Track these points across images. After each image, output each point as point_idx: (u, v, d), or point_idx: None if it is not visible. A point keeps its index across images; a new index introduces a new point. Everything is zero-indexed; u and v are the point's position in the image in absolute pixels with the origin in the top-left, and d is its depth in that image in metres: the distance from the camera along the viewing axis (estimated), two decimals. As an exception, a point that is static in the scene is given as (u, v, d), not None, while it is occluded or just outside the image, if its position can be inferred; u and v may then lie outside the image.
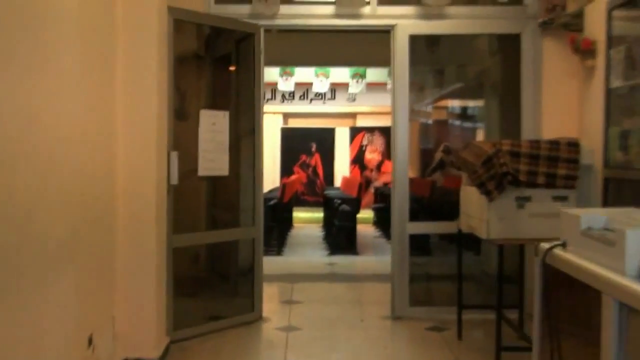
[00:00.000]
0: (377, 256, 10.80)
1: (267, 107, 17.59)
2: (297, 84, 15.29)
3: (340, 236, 11.16)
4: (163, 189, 5.02)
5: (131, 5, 4.65)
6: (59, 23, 3.38)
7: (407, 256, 6.27)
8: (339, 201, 11.71)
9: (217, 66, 6.92)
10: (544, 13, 6.23)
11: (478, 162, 4.46)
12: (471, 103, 10.00)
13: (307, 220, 16.54)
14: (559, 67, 6.25)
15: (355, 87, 11.97)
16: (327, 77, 11.81)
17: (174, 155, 5.23)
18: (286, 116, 17.84)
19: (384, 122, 17.21)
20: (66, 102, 3.48)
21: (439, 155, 20.00)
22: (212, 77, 6.77)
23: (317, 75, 11.79)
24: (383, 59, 7.35)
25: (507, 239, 4.46)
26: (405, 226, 6.24)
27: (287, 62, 9.44)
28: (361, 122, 17.76)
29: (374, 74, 12.18)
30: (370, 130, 17.46)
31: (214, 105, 6.36)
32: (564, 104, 6.18)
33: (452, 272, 5.64)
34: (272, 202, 11.05)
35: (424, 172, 17.15)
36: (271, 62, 9.31)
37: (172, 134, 5.23)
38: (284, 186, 11.07)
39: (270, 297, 7.14)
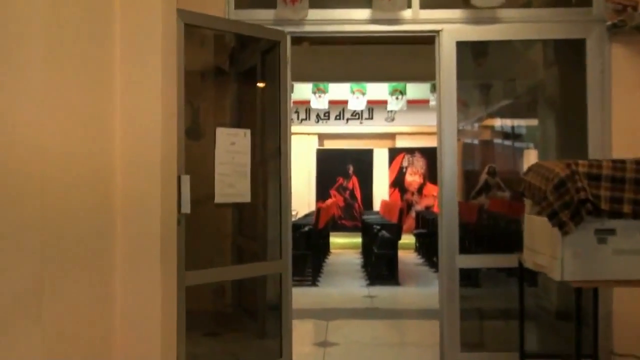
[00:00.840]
0: (420, 287, 10.01)
1: (301, 128, 17.21)
2: (332, 102, 14.63)
3: (379, 265, 10.38)
4: (172, 218, 4.31)
5: (130, 6, 3.96)
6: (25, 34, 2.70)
7: (457, 294, 5.47)
8: (378, 227, 10.92)
9: (239, 79, 6.26)
10: (612, 15, 5.43)
11: (548, 186, 3.66)
12: (521, 121, 9.18)
13: (344, 246, 15.85)
14: (631, 76, 5.43)
15: (394, 105, 11.17)
16: (363, 94, 11.05)
17: (186, 179, 4.52)
18: (322, 137, 17.18)
19: (425, 142, 16.60)
20: (35, 121, 2.78)
21: (483, 177, 19.11)
22: (233, 91, 6.10)
23: (352, 92, 11.04)
24: (425, 73, 6.63)
25: (587, 281, 3.63)
26: (454, 259, 5.44)
27: (319, 77, 8.71)
28: (401, 143, 17.03)
29: (415, 90, 11.40)
30: (411, 151, 16.71)
31: (233, 122, 5.66)
32: (637, 118, 5.36)
33: (506, 306, 4.83)
34: (306, 229, 10.32)
35: (468, 196, 16.42)
36: (302, 78, 8.68)
37: (182, 155, 4.53)
38: (318, 211, 10.33)
39: (302, 337, 6.39)
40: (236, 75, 6.44)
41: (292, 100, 11.46)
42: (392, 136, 17.06)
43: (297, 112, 15.29)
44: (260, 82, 6.05)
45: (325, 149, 17.13)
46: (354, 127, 16.01)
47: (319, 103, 11.10)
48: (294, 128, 16.43)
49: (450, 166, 5.50)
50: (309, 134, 16.91)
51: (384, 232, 10.49)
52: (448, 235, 5.47)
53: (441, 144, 5.55)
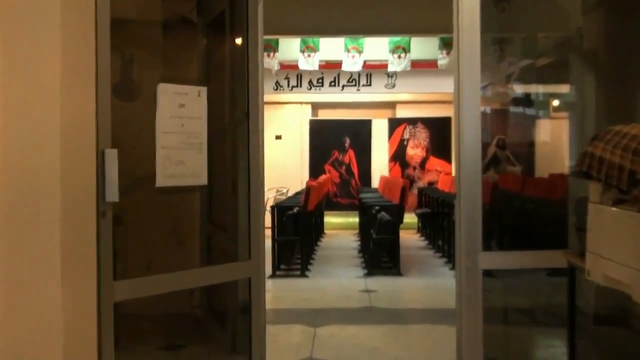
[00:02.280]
0: (425, 277, 8.86)
1: (292, 96, 15.90)
2: (325, 67, 13.37)
3: (378, 252, 9.19)
4: (88, 210, 3.10)
5: None
6: None
7: (480, 302, 4.26)
8: (377, 208, 9.72)
9: (199, 26, 5.04)
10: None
11: None
12: (549, 86, 7.93)
13: (340, 226, 14.80)
14: None
15: (396, 65, 9.83)
16: (360, 52, 9.72)
17: (112, 155, 3.30)
18: (315, 107, 15.92)
19: (428, 112, 15.49)
20: None
21: (492, 150, 17.96)
22: (190, 40, 4.86)
23: (347, 50, 9.72)
24: (433, 25, 5.37)
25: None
26: (477, 258, 4.22)
27: (306, 30, 7.41)
28: (402, 113, 15.83)
29: (419, 48, 10.06)
30: (413, 122, 15.52)
31: (182, 78, 4.43)
32: None
33: (531, 304, 4.40)
34: (294, 210, 9.12)
35: None
36: (287, 31, 7.40)
37: (107, 122, 3.31)
38: (308, 190, 9.11)
39: (282, 351, 5.23)
40: (199, 22, 5.26)
41: (278, 62, 10.21)
42: (392, 105, 15.83)
43: (287, 78, 14.02)
44: (224, 28, 4.81)
45: (319, 119, 15.90)
46: (351, 95, 14.79)
47: (309, 64, 9.78)
48: (284, 96, 15.34)
49: (472, 140, 4.28)
50: (301, 103, 15.66)
51: (383, 214, 9.30)
52: (468, 226, 4.26)
53: (460, 113, 4.33)
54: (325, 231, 14.20)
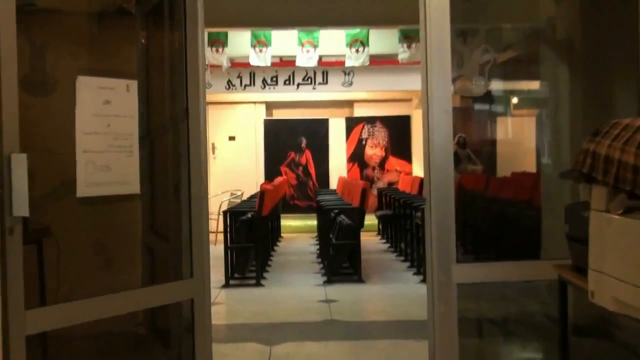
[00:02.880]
0: (388, 284, 8.45)
1: (246, 96, 15.30)
2: (279, 64, 12.90)
3: (339, 258, 8.72)
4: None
5: None
6: None
7: (455, 320, 3.82)
8: (336, 211, 9.26)
9: (138, 18, 4.54)
10: None
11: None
12: (513, 82, 7.53)
13: (298, 229, 14.34)
14: None
15: (353, 59, 9.33)
16: (315, 46, 9.21)
17: (19, 161, 2.77)
18: (270, 106, 15.39)
19: (387, 110, 15.16)
20: None
21: (452, 148, 17.60)
22: (124, 30, 4.34)
23: (301, 44, 9.20)
24: (394, 15, 4.92)
25: None
26: (450, 271, 3.78)
27: (256, 22, 6.86)
28: (360, 112, 15.40)
29: (378, 42, 9.59)
30: (371, 120, 15.10)
31: (107, 70, 3.90)
32: None
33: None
34: (249, 215, 8.60)
35: None
36: (235, 22, 6.88)
37: (14, 121, 2.78)
38: (262, 194, 8.59)
39: (233, 376, 4.71)
40: (137, 12, 4.73)
41: (227, 58, 9.68)
42: (349, 104, 15.39)
43: (239, 76, 13.48)
44: (163, 17, 4.29)
45: (273, 119, 15.38)
46: (306, 94, 14.31)
47: (261, 59, 9.24)
48: (237, 96, 14.78)
49: (443, 140, 3.85)
50: (255, 102, 15.11)
51: (343, 218, 8.83)
52: (440, 235, 3.81)
53: (430, 111, 3.88)
54: (282, 235, 13.71)
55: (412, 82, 13.85)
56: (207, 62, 9.41)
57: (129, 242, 4.02)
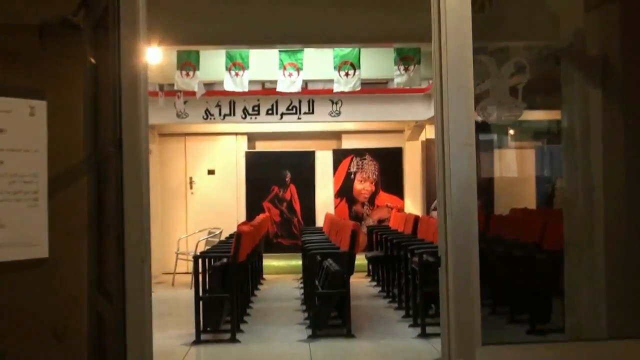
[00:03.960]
0: (381, 339, 7.53)
1: (226, 127, 14.37)
2: (261, 92, 12.07)
3: (325, 309, 7.78)
4: None
5: None
6: None
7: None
8: (323, 254, 8.34)
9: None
10: None
11: None
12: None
13: (281, 270, 13.49)
14: None
15: (343, 84, 8.37)
16: (298, 69, 8.28)
17: None
18: (252, 138, 14.48)
19: (377, 142, 14.32)
20: None
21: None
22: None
23: (283, 67, 8.27)
24: (390, 32, 4.11)
25: None
26: (473, 356, 2.86)
27: (232, 39, 5.93)
28: (348, 143, 14.50)
29: (368, 67, 8.66)
30: (360, 153, 14.20)
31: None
32: None
33: None
34: (224, 261, 7.67)
35: (429, 208, 14.20)
36: (205, 40, 5.98)
37: None
38: (238, 238, 7.62)
39: None
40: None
41: (200, 83, 8.77)
42: (337, 135, 14.49)
43: (218, 105, 12.58)
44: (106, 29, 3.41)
45: (256, 151, 14.45)
46: (291, 125, 13.44)
47: (237, 84, 8.30)
48: (217, 127, 13.90)
49: (463, 183, 2.97)
50: (236, 134, 14.22)
51: (331, 263, 7.90)
52: (460, 308, 2.91)
53: (445, 146, 3.02)
54: (265, 277, 12.77)
55: (404, 112, 13.10)
56: (177, 88, 8.51)
57: (33, 325, 3.05)
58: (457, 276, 2.88)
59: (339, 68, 8.09)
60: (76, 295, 3.24)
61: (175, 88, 8.40)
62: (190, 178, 14.07)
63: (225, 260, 7.68)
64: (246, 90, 8.46)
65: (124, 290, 2.69)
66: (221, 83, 8.67)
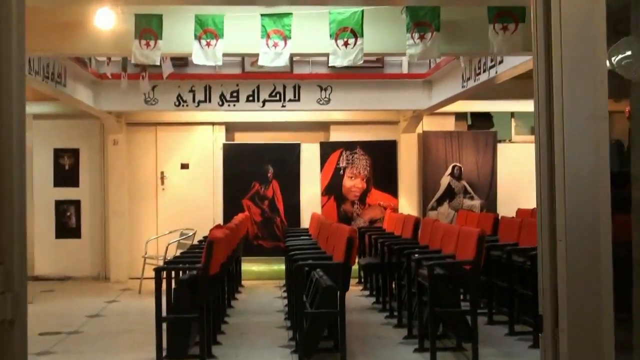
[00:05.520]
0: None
1: (202, 116, 13.16)
2: (241, 74, 10.93)
3: (315, 332, 6.56)
4: None
5: None
6: None
7: None
8: (312, 264, 7.12)
9: None
10: None
11: None
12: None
13: (262, 275, 12.74)
14: None
15: (341, 56, 6.89)
16: (285, 38, 6.86)
17: None
18: (230, 128, 13.52)
19: (369, 134, 13.44)
20: None
21: (445, 180, 16.26)
22: None
23: (266, 35, 6.84)
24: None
25: None
26: None
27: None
28: (337, 135, 13.61)
29: (368, 39, 7.28)
30: (350, 146, 13.27)
31: None
32: None
33: None
34: (191, 275, 6.44)
35: (425, 208, 13.17)
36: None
37: None
38: (210, 246, 6.36)
39: None
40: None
41: (163, 56, 7.45)
42: (325, 126, 13.58)
43: (192, 90, 11.42)
44: None
45: (235, 143, 13.48)
46: (274, 113, 12.49)
47: (208, 56, 6.85)
48: (192, 115, 12.81)
49: (589, 176, 1.70)
50: (213, 123, 13.23)
51: (321, 275, 6.69)
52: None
53: (563, 119, 1.77)
54: (243, 283, 11.71)
55: (402, 100, 12.06)
56: (134, 62, 7.18)
57: None
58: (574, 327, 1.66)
59: (336, 36, 6.70)
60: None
61: (133, 61, 7.04)
62: (162, 172, 13.24)
63: (194, 272, 6.44)
64: (220, 63, 7.06)
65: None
66: (192, 63, 7.36)
